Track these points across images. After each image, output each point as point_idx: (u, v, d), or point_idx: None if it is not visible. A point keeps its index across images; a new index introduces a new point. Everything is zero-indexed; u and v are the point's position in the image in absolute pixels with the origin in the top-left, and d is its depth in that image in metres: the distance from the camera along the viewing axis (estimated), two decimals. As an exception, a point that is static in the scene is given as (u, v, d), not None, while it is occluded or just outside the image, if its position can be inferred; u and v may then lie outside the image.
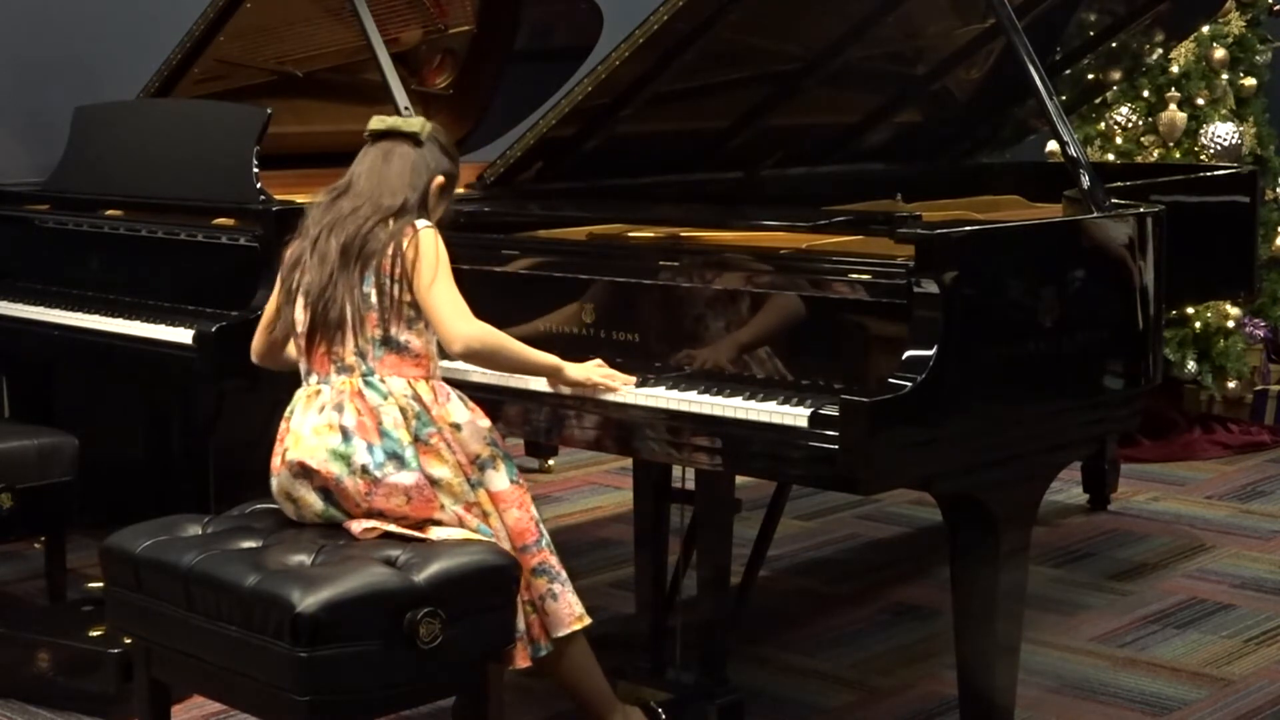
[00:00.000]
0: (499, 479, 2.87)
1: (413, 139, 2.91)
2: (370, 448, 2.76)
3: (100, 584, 2.93)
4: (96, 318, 4.03)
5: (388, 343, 2.81)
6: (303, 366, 2.89)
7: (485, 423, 2.89)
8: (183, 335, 3.78)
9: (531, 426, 3.09)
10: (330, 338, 2.82)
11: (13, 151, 4.81)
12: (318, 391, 2.83)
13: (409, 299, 2.81)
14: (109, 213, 4.27)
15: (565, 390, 2.96)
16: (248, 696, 2.66)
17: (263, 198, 3.90)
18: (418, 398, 2.82)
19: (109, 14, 4.94)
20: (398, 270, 2.80)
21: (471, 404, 2.91)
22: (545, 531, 2.92)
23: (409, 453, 2.78)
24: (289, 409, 2.87)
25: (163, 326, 3.87)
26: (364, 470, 2.76)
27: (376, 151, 2.92)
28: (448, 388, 2.88)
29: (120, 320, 3.97)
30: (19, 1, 4.83)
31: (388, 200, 2.85)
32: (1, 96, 4.80)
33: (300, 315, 2.85)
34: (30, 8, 4.85)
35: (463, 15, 4.86)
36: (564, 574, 2.92)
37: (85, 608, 3.68)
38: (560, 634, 2.90)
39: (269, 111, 4.01)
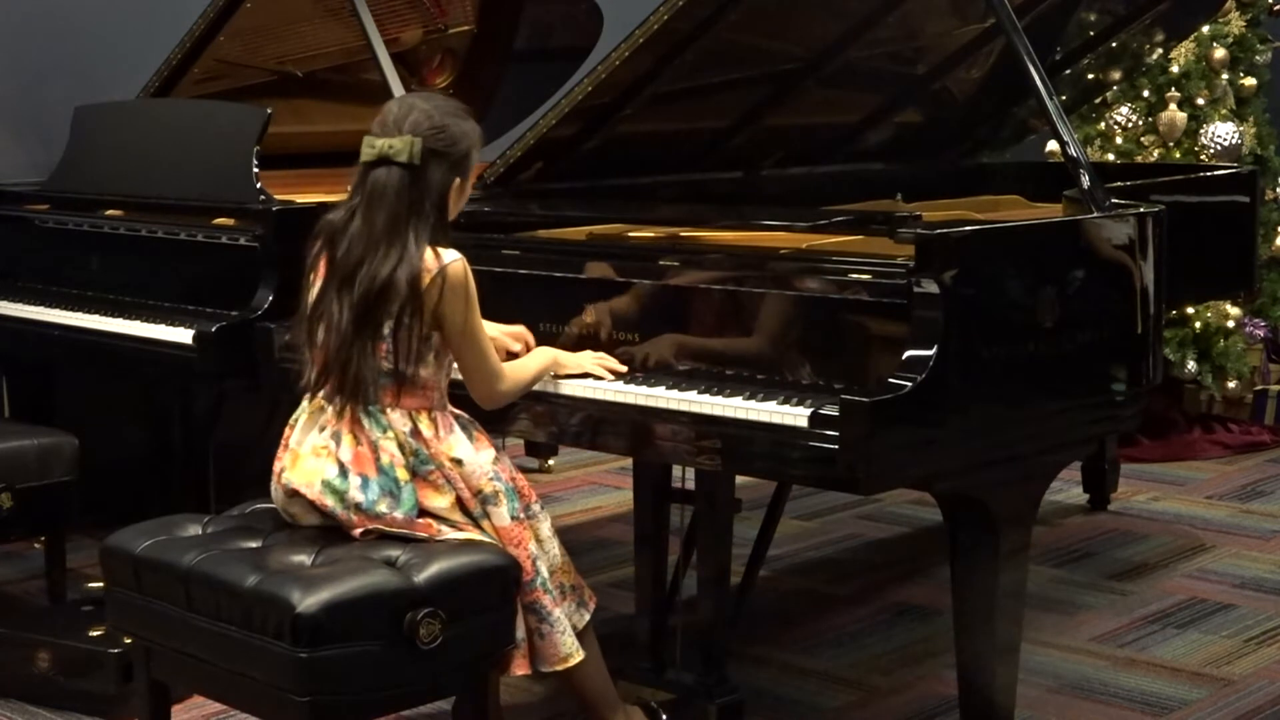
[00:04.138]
0: (500, 515, 2.83)
1: (405, 166, 2.75)
2: (365, 483, 2.73)
3: (100, 584, 2.93)
4: (96, 318, 4.03)
5: (394, 375, 2.76)
6: (312, 373, 2.83)
7: (489, 454, 2.86)
8: (183, 335, 3.78)
9: (531, 427, 3.09)
10: (346, 389, 2.75)
11: (13, 151, 4.81)
12: (321, 408, 2.80)
13: (425, 334, 2.75)
14: (109, 213, 4.27)
15: (562, 373, 2.97)
16: (248, 696, 2.66)
17: (263, 198, 3.91)
18: (417, 433, 2.78)
19: (109, 14, 4.93)
20: (416, 307, 2.72)
21: (479, 431, 2.88)
22: (543, 567, 2.86)
23: (405, 490, 2.75)
24: (295, 416, 2.85)
25: (163, 326, 3.87)
26: (357, 507, 2.73)
27: (372, 184, 2.76)
28: (450, 418, 2.84)
29: (120, 320, 3.97)
30: (19, 1, 4.83)
31: (390, 247, 2.72)
32: (1, 96, 4.80)
33: (320, 338, 2.77)
34: (30, 8, 4.84)
35: (463, 15, 4.87)
36: (556, 613, 2.86)
37: (85, 608, 3.68)
38: (543, 670, 2.87)
39: (269, 111, 4.01)
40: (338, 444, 2.75)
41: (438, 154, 2.78)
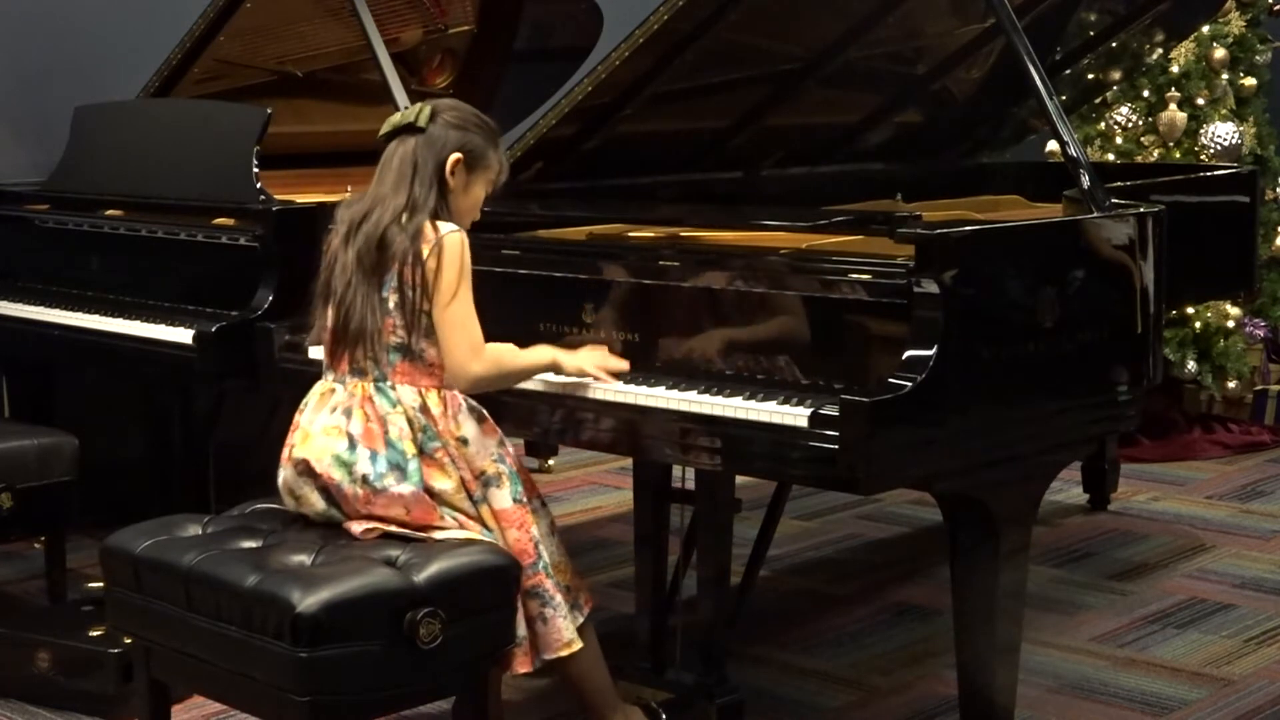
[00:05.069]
0: (502, 497, 2.86)
1: (412, 129, 2.87)
2: (374, 457, 2.76)
3: (100, 584, 2.93)
4: (96, 318, 4.03)
5: (403, 350, 2.81)
6: (324, 361, 2.90)
7: (495, 437, 2.88)
8: (183, 335, 3.78)
9: (530, 426, 3.09)
10: (350, 344, 2.81)
11: (13, 151, 4.81)
12: (332, 390, 2.85)
13: (428, 308, 2.80)
14: (109, 213, 4.27)
15: (563, 379, 2.96)
16: (248, 696, 2.66)
17: (263, 198, 3.91)
18: (426, 409, 2.81)
19: (109, 14, 4.94)
20: (418, 277, 2.78)
21: (485, 415, 2.90)
22: (545, 553, 2.89)
23: (412, 465, 2.77)
24: (304, 402, 2.89)
25: (163, 326, 3.87)
26: (364, 480, 2.76)
27: (386, 152, 2.89)
28: (460, 398, 2.86)
29: (120, 320, 3.97)
30: (19, 2, 4.83)
31: (394, 199, 2.82)
32: (1, 96, 4.80)
33: (330, 315, 2.86)
34: (30, 8, 4.85)
35: (463, 15, 4.86)
36: (559, 598, 2.88)
37: (85, 608, 3.68)
38: (547, 657, 2.89)
39: (269, 111, 4.01)
40: (349, 419, 2.79)
41: (446, 123, 2.88)
